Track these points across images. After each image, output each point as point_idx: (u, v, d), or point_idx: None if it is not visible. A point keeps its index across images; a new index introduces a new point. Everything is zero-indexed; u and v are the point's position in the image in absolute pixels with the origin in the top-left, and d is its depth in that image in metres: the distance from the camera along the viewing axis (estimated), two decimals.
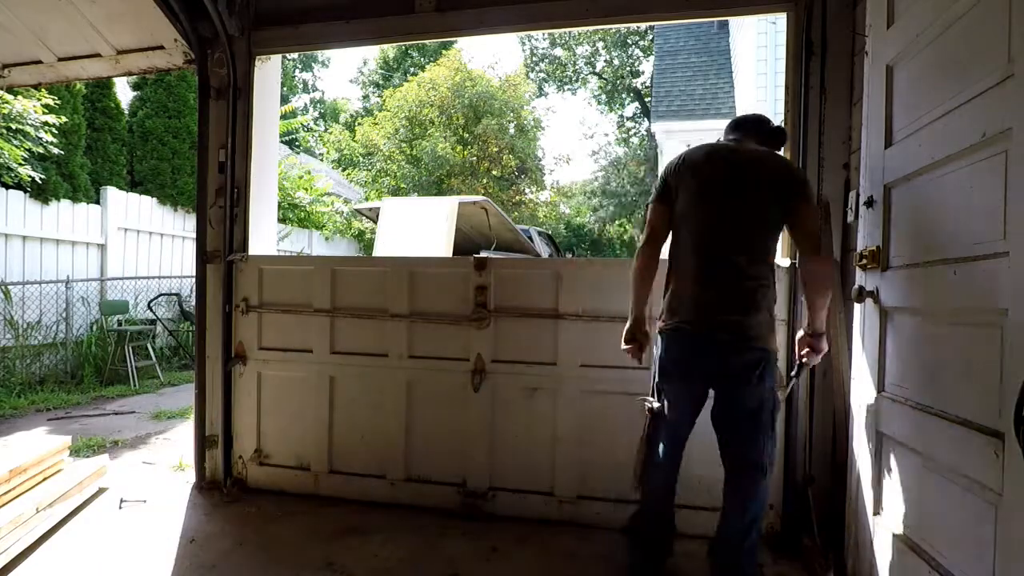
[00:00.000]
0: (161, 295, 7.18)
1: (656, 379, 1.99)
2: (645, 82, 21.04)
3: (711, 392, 1.96)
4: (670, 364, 1.92)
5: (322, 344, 2.86)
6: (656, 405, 1.97)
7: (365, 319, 2.82)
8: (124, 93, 7.87)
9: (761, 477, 1.83)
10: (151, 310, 6.88)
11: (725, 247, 1.84)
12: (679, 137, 9.72)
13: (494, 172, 15.12)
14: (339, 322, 2.86)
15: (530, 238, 8.71)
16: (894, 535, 1.66)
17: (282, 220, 9.58)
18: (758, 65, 7.70)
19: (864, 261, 1.85)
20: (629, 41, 21.41)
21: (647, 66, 20.93)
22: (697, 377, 1.91)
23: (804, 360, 1.93)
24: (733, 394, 1.85)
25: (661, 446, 1.97)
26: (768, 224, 1.87)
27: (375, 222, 7.77)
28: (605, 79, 22.64)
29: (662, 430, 1.97)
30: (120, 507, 2.71)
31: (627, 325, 2.02)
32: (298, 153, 15.15)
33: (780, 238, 1.95)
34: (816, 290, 1.82)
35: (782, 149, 2.13)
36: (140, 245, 7.31)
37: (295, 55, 20.65)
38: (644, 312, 2.00)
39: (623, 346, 2.03)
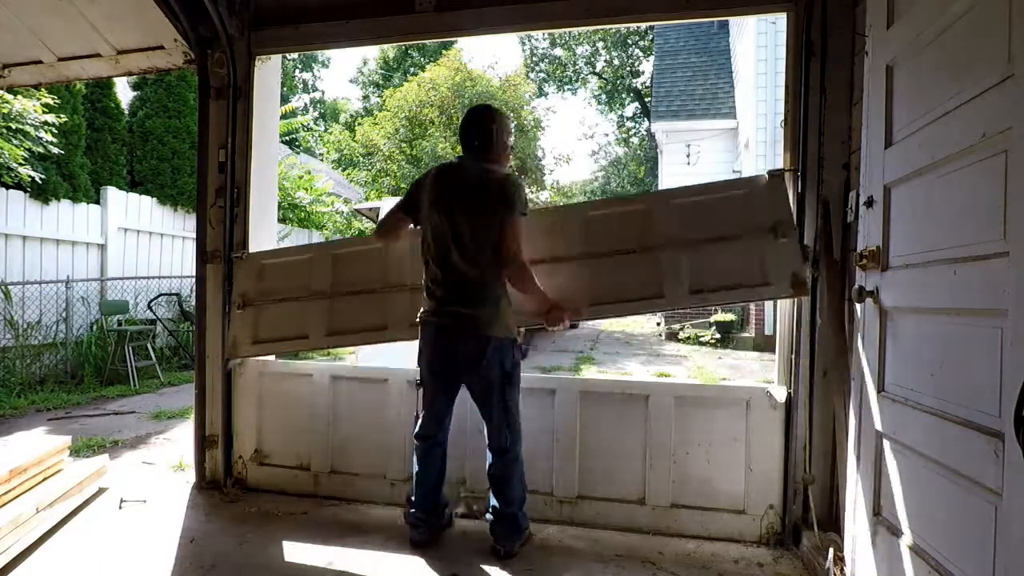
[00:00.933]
0: (161, 295, 7.18)
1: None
2: (645, 82, 21.04)
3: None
4: (422, 350, 2.30)
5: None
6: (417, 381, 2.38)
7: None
8: (124, 93, 7.86)
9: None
10: (151, 310, 6.88)
11: (454, 251, 2.18)
12: (679, 137, 9.71)
13: None
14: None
15: None
16: (894, 535, 1.66)
17: (282, 220, 9.58)
18: (758, 65, 7.71)
19: (864, 261, 1.85)
20: (629, 41, 21.40)
21: (647, 66, 20.94)
22: (437, 363, 2.26)
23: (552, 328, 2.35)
24: (471, 379, 2.24)
25: (421, 423, 2.34)
26: (489, 234, 2.17)
27: (375, 222, 7.77)
28: (605, 79, 22.64)
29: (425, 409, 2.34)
30: (120, 507, 2.71)
31: None
32: (298, 153, 15.14)
33: None
34: (520, 289, 2.22)
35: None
36: (140, 245, 7.31)
37: (295, 55, 20.66)
38: None
39: None
